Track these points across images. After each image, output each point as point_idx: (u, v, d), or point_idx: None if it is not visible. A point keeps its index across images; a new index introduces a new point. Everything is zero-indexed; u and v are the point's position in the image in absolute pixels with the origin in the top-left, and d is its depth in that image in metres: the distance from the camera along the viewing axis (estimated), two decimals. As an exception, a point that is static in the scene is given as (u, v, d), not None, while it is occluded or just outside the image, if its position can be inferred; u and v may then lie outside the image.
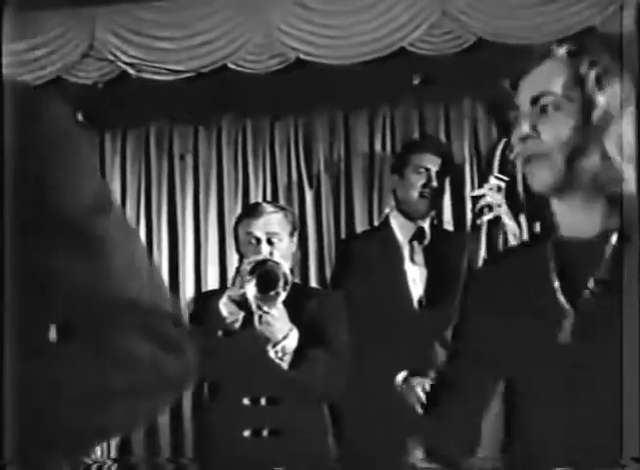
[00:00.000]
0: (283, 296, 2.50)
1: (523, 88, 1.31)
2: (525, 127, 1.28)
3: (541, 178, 1.28)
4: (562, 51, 1.29)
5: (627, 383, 1.08)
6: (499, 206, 2.43)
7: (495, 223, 2.48)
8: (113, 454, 4.10)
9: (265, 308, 2.49)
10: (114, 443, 4.05)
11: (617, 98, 1.23)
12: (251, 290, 2.49)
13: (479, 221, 2.37)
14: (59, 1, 4.01)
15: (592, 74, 1.24)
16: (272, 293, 2.49)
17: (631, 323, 1.12)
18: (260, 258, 2.56)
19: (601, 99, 1.23)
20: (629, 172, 1.22)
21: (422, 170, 3.26)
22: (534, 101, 1.29)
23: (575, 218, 1.28)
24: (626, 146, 1.21)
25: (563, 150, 1.25)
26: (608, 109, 1.23)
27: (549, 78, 1.28)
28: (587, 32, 3.36)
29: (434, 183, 3.25)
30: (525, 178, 1.32)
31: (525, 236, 2.36)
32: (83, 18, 4.09)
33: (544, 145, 1.27)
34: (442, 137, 4.10)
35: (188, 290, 4.21)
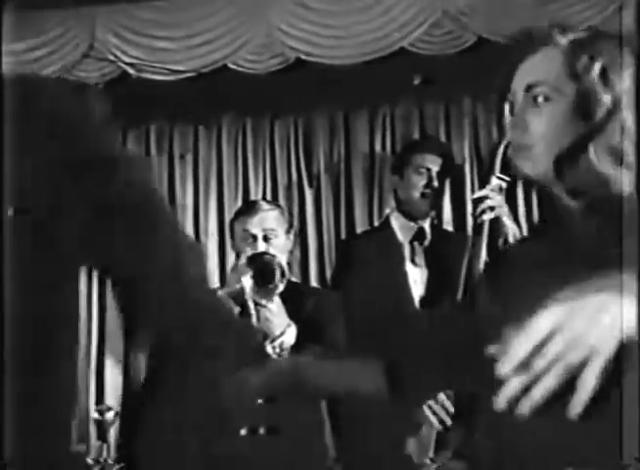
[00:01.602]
0: (280, 288, 2.49)
1: (519, 73, 1.28)
2: (515, 115, 1.27)
3: (526, 169, 1.26)
4: (563, 40, 1.26)
5: (627, 383, 1.08)
6: (500, 206, 2.43)
7: (496, 224, 2.48)
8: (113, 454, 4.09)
9: (263, 303, 2.49)
10: (113, 442, 4.04)
11: (621, 93, 1.20)
12: (247, 283, 2.49)
13: (479, 221, 2.37)
14: (59, 1, 4.01)
15: (595, 68, 1.21)
16: (270, 286, 2.49)
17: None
18: (257, 251, 2.57)
19: (604, 94, 1.20)
20: (623, 173, 1.20)
21: (423, 171, 3.24)
22: (528, 89, 1.26)
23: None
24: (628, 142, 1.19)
25: (546, 144, 1.23)
26: (611, 104, 1.20)
27: (544, 67, 1.25)
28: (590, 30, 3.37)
29: (436, 183, 3.23)
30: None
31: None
32: (83, 17, 4.09)
33: (529, 136, 1.24)
34: (443, 137, 4.10)
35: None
